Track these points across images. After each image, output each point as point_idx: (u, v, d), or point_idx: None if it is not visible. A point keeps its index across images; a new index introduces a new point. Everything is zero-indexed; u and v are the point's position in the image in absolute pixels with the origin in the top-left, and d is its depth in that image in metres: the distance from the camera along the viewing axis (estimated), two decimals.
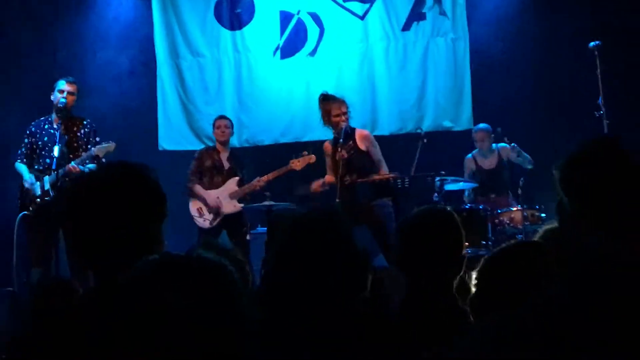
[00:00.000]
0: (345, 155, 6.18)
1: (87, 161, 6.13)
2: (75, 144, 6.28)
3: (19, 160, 6.36)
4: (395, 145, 7.79)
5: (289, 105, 8.49)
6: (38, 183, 6.17)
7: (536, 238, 2.45)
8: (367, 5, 8.41)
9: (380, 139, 6.96)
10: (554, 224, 2.44)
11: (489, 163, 7.65)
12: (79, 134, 6.31)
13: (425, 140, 6.76)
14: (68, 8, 8.49)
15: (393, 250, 2.48)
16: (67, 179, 6.03)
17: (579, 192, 2.08)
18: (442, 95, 8.26)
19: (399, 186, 6.12)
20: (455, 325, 2.17)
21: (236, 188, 7.02)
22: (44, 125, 6.37)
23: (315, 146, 7.21)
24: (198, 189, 7.05)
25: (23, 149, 6.37)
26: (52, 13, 8.38)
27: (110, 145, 6.15)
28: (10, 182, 6.65)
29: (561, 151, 2.20)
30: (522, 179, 7.12)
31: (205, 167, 7.13)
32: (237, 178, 7.08)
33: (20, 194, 6.28)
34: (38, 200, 6.12)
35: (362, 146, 6.35)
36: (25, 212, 6.12)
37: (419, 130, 7.06)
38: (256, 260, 6.61)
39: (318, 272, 1.71)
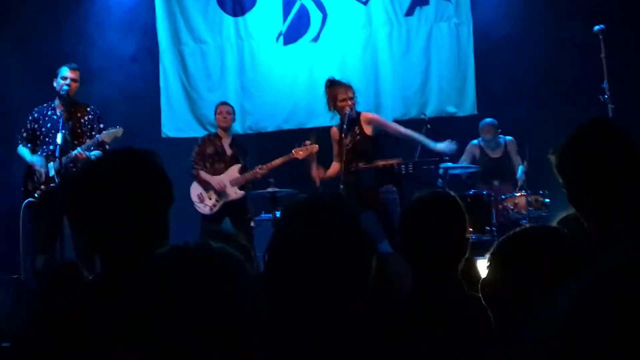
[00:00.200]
0: (349, 145, 6.17)
1: (93, 148, 6.13)
2: (79, 131, 6.27)
3: (20, 145, 6.35)
4: None
5: (292, 91, 8.47)
6: (43, 170, 6.17)
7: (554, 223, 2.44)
8: None
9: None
10: (569, 212, 2.43)
11: (495, 153, 7.67)
12: (82, 120, 6.30)
13: (429, 126, 6.75)
14: None
15: (397, 235, 2.47)
16: (72, 165, 6.03)
17: (575, 177, 2.07)
18: (446, 81, 8.23)
19: (403, 172, 6.12)
20: (461, 311, 2.17)
21: (238, 175, 7.02)
22: (47, 112, 6.35)
23: (318, 132, 7.20)
24: (204, 174, 7.05)
25: (24, 134, 6.36)
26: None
27: (118, 131, 6.13)
28: (14, 170, 6.65)
29: (565, 136, 2.20)
30: (525, 163, 7.12)
31: (207, 153, 7.13)
32: (239, 165, 7.07)
33: (24, 180, 6.28)
34: (43, 187, 6.12)
35: (367, 130, 6.33)
36: (30, 199, 6.13)
37: (422, 116, 7.05)
38: (260, 246, 6.62)
39: (321, 258, 1.70)
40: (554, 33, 7.88)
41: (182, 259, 1.30)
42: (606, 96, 6.17)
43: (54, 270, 3.85)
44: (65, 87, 6.22)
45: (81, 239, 5.19)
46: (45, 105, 6.41)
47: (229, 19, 8.60)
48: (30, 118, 6.38)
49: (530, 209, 6.83)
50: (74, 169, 5.98)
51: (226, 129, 7.21)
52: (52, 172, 6.10)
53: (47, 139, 6.26)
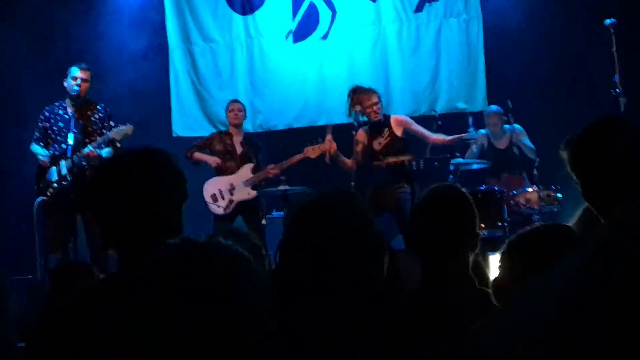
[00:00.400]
0: (381, 146, 6.39)
1: (103, 145, 6.15)
2: (90, 129, 6.30)
3: (34, 143, 6.39)
4: None
5: (302, 89, 8.47)
6: (54, 168, 6.20)
7: (576, 217, 2.44)
8: None
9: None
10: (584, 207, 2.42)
11: (501, 143, 7.63)
12: (93, 119, 6.33)
13: (439, 122, 6.74)
14: None
15: (407, 231, 2.47)
16: (84, 163, 6.06)
17: (591, 172, 2.05)
18: (456, 77, 8.20)
19: (414, 168, 6.13)
20: (473, 306, 2.16)
21: (250, 175, 7.02)
22: (57, 111, 6.38)
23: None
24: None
25: (37, 133, 6.40)
26: None
27: (128, 128, 6.16)
28: (29, 169, 6.68)
29: (578, 131, 2.19)
30: (537, 159, 7.08)
31: (216, 150, 7.14)
32: (251, 165, 7.07)
33: (36, 179, 6.31)
34: (55, 185, 6.15)
35: (398, 132, 6.47)
36: (43, 198, 6.15)
37: (433, 112, 7.04)
38: (272, 245, 6.63)
39: (330, 256, 1.70)
40: (564, 27, 7.85)
41: (189, 253, 1.31)
42: (618, 90, 6.13)
43: (65, 270, 3.87)
44: (75, 88, 6.25)
45: (96, 236, 5.21)
46: (56, 104, 6.44)
47: (238, 18, 8.61)
48: (41, 117, 6.41)
49: (542, 204, 6.81)
50: (86, 167, 6.01)
51: (238, 126, 7.22)
52: (64, 171, 6.13)
53: (58, 138, 6.29)
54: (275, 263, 1.77)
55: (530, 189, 7.02)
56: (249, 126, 7.98)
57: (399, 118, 6.54)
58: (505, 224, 6.67)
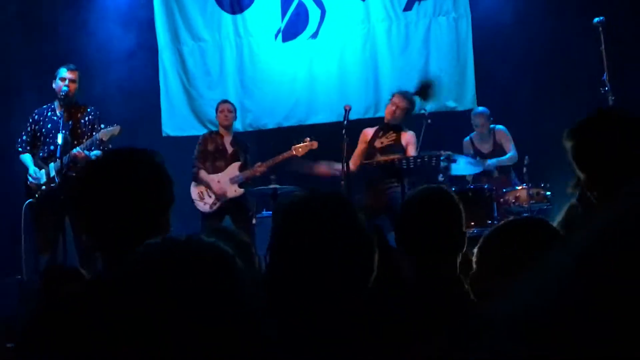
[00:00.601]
0: (381, 146, 6.51)
1: (93, 147, 6.14)
2: (79, 131, 6.28)
3: (20, 149, 6.36)
4: None
5: (292, 88, 8.47)
6: (43, 170, 6.19)
7: (562, 214, 2.45)
8: None
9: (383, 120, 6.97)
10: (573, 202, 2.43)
11: (486, 147, 7.63)
12: (82, 121, 6.32)
13: (429, 121, 6.74)
14: None
15: (395, 231, 2.49)
16: (72, 164, 6.04)
17: (597, 161, 2.04)
18: (445, 75, 8.21)
19: (404, 167, 6.13)
20: (459, 306, 2.16)
21: (237, 172, 7.04)
22: (47, 113, 6.38)
23: (318, 130, 7.20)
24: (203, 174, 7.06)
25: (24, 137, 6.38)
26: None
27: (115, 129, 6.15)
28: (17, 170, 6.64)
29: (565, 129, 2.19)
30: (526, 157, 7.11)
31: (209, 151, 7.14)
32: (239, 163, 7.09)
33: (25, 181, 6.29)
34: (44, 187, 6.14)
35: (403, 142, 6.59)
36: (31, 200, 6.14)
37: (422, 111, 7.03)
38: (262, 244, 6.63)
39: (319, 255, 1.69)
40: (553, 25, 7.87)
41: (170, 252, 1.30)
42: (607, 88, 6.15)
43: (56, 271, 3.85)
44: (64, 88, 6.24)
45: (83, 239, 5.19)
46: (45, 106, 6.43)
47: (227, 17, 8.59)
48: (30, 120, 6.40)
49: (532, 202, 6.83)
50: (74, 168, 5.99)
51: (227, 127, 7.22)
52: (52, 173, 6.12)
53: (47, 140, 6.28)
54: (266, 262, 1.77)
55: (519, 187, 7.04)
56: (238, 125, 7.97)
57: (410, 134, 6.63)
58: (495, 222, 6.68)
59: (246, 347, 1.29)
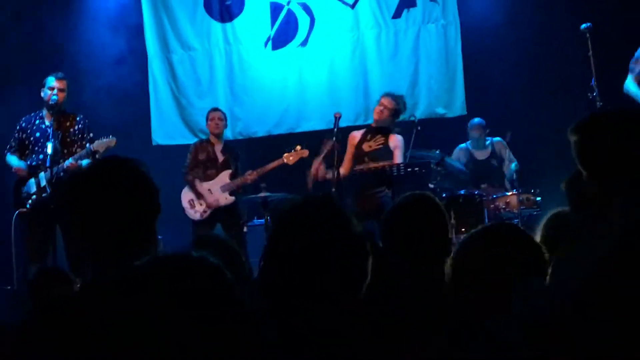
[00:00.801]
0: (368, 150, 6.47)
1: (85, 158, 6.12)
2: (68, 140, 6.26)
3: (8, 153, 6.34)
4: None
5: (281, 96, 8.48)
6: (33, 180, 6.16)
7: (543, 223, 2.46)
8: None
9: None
10: (559, 209, 2.43)
11: (482, 154, 7.70)
12: (72, 130, 6.30)
13: (419, 128, 6.76)
14: None
15: (381, 236, 2.50)
16: (63, 175, 6.02)
17: (605, 155, 2.02)
18: (435, 82, 8.25)
19: (395, 174, 6.15)
20: (443, 311, 2.16)
21: (228, 180, 7.04)
22: (34, 121, 6.34)
23: (308, 137, 7.21)
24: (199, 184, 7.06)
25: (12, 143, 6.35)
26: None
27: (110, 141, 6.15)
28: (7, 180, 6.62)
29: (554, 134, 2.21)
30: (515, 162, 7.15)
31: (200, 159, 7.14)
32: (229, 171, 7.09)
33: (15, 191, 6.26)
34: (34, 197, 6.11)
35: (391, 145, 6.55)
36: (22, 209, 6.11)
37: (412, 118, 7.06)
38: (253, 252, 6.63)
39: (313, 260, 1.70)
40: (541, 32, 7.92)
41: (158, 271, 1.31)
42: (595, 94, 6.19)
43: (43, 277, 3.84)
44: (54, 97, 6.20)
45: (72, 247, 5.18)
46: (32, 114, 6.39)
47: (216, 25, 8.60)
48: (17, 127, 6.36)
49: (522, 207, 6.85)
50: (65, 179, 5.97)
51: (218, 135, 7.21)
52: (43, 182, 6.09)
53: (36, 148, 6.24)
54: (260, 269, 1.78)
55: (510, 193, 7.07)
56: (228, 133, 7.97)
57: (398, 137, 6.63)
58: None
59: (235, 356, 1.30)
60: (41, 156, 6.15)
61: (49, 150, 5.99)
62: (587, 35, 6.28)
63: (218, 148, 7.20)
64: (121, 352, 1.25)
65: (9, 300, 5.64)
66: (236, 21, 8.57)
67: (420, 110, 8.08)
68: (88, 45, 8.34)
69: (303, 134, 8.01)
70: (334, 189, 6.02)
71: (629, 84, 6.12)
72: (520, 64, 7.96)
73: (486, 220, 6.81)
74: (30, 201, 6.12)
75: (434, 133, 7.48)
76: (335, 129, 6.26)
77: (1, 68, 7.94)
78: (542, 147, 7.35)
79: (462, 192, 7.05)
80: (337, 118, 6.31)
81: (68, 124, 6.30)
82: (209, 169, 7.11)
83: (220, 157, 7.16)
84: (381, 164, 6.32)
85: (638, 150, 1.98)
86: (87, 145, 6.17)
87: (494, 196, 7.10)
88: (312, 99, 8.36)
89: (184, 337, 1.25)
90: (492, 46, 8.03)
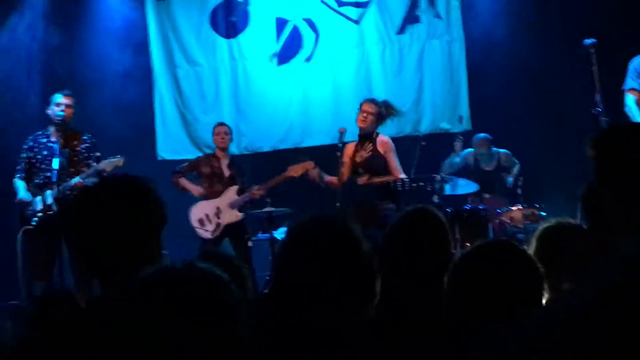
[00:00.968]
0: (360, 160, 6.31)
1: (92, 177, 6.10)
2: (75, 158, 6.24)
3: (17, 177, 6.33)
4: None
5: (286, 111, 8.51)
6: (39, 197, 6.14)
7: (535, 236, 2.45)
8: (361, 10, 8.44)
9: None
10: (552, 222, 2.44)
11: (489, 166, 7.72)
12: (78, 148, 6.28)
13: (423, 143, 6.77)
14: (62, 10, 8.47)
15: (382, 254, 2.49)
16: (70, 193, 6.01)
17: (613, 171, 2.01)
18: (439, 98, 8.28)
19: (399, 188, 6.14)
20: (440, 326, 2.15)
21: (236, 197, 7.01)
22: (41, 139, 6.32)
23: (313, 152, 7.21)
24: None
25: (22, 164, 6.33)
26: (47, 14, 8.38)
27: (119, 160, 6.12)
28: (13, 198, 6.63)
29: (560, 150, 2.22)
30: (521, 177, 7.15)
31: (204, 173, 7.13)
32: (236, 187, 7.06)
33: (20, 208, 6.26)
34: (40, 214, 6.10)
35: (381, 149, 6.39)
36: (28, 227, 6.10)
37: (417, 133, 7.07)
38: (258, 266, 6.63)
39: (322, 279, 1.70)
40: (545, 47, 7.93)
41: (166, 282, 1.32)
42: (599, 109, 6.18)
43: (51, 295, 3.84)
44: (60, 113, 6.19)
45: (79, 264, 5.18)
46: (39, 132, 6.38)
47: (222, 41, 8.65)
48: (25, 147, 6.33)
49: (526, 222, 6.85)
50: (72, 198, 5.96)
51: (224, 150, 7.22)
52: (49, 200, 6.07)
53: (43, 166, 6.22)
54: (268, 283, 1.79)
55: (514, 208, 7.06)
56: (234, 149, 7.99)
57: (384, 139, 6.52)
58: None
59: None
60: (48, 173, 6.13)
61: (55, 165, 5.99)
62: (592, 50, 6.28)
63: (224, 163, 7.19)
64: None
65: (15, 316, 5.64)
66: (241, 36, 8.63)
67: (424, 125, 8.11)
68: (94, 60, 8.39)
69: (308, 149, 8.02)
70: (338, 204, 6.00)
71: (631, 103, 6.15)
72: (524, 79, 7.97)
73: (491, 235, 6.81)
74: (36, 219, 6.11)
75: (439, 149, 7.49)
76: (340, 144, 6.26)
77: (12, 85, 7.99)
78: (546, 161, 7.36)
79: (467, 207, 7.04)
80: (342, 133, 6.30)
81: (75, 142, 6.28)
82: (216, 184, 7.08)
83: (227, 172, 7.16)
84: (385, 178, 6.29)
85: None
86: (93, 164, 6.16)
87: (499, 211, 7.10)
88: (317, 114, 8.40)
89: (189, 348, 1.26)
90: (496, 61, 8.05)
